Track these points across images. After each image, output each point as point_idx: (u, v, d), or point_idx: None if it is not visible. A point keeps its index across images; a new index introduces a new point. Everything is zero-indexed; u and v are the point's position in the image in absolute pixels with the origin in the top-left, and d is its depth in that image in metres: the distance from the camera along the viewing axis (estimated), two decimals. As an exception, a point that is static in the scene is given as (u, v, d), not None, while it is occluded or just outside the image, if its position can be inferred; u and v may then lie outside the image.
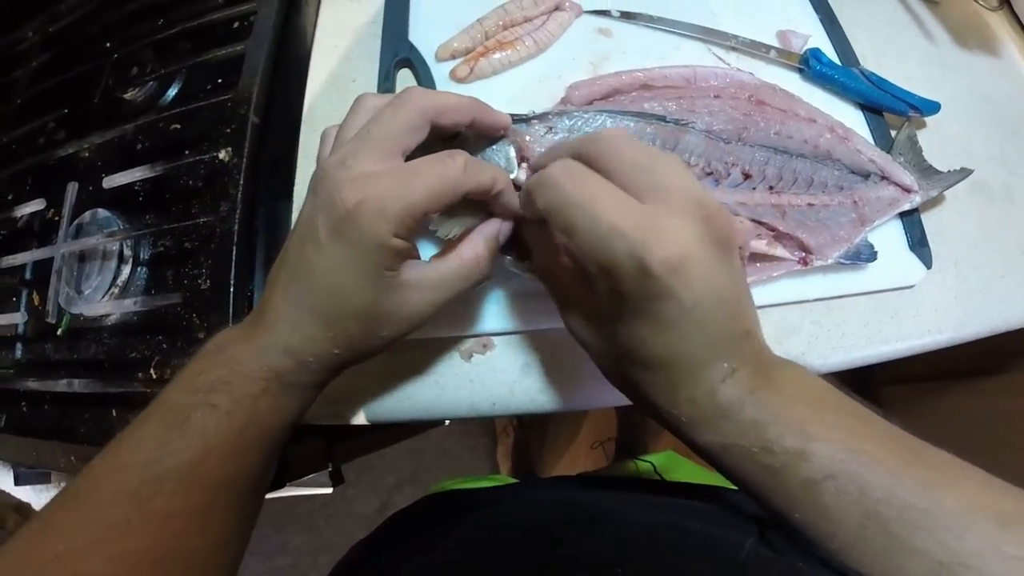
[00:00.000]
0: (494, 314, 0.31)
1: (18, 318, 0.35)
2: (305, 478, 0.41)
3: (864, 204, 0.33)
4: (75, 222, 0.35)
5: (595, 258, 0.19)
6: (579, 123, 0.29)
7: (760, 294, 0.32)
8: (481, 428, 1.12)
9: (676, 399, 0.20)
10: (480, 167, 0.22)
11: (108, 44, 0.41)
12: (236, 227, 0.32)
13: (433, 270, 0.23)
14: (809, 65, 0.38)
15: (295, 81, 0.37)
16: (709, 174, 0.30)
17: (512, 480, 0.43)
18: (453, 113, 0.22)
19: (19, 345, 0.36)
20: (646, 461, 0.56)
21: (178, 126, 0.36)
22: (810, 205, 0.31)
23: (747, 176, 0.31)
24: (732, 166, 0.31)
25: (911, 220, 0.36)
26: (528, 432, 1.04)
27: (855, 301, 0.34)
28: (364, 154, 0.21)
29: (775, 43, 0.39)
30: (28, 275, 0.36)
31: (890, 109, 0.39)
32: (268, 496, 0.41)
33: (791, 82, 0.38)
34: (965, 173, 0.37)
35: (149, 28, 0.41)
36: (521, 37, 0.35)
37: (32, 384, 0.34)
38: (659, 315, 0.19)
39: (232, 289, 0.31)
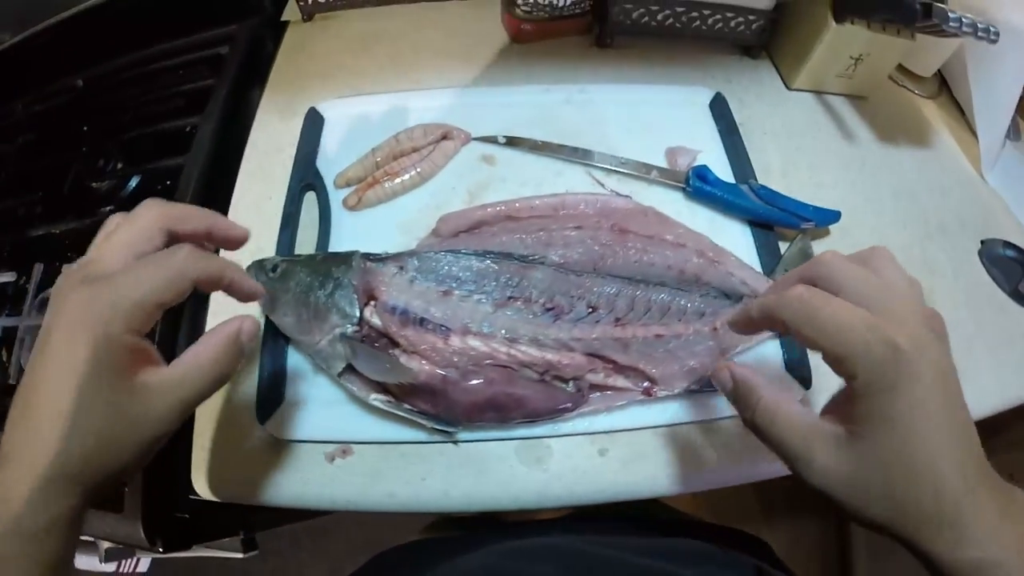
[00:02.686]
0: (354, 424, 0.33)
1: (-17, 374, 0.40)
2: (217, 542, 0.44)
3: (726, 331, 0.34)
4: (39, 296, 0.41)
5: (846, 350, 0.20)
6: (427, 263, 0.32)
7: (605, 421, 0.32)
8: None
9: (928, 512, 0.20)
10: (207, 258, 0.24)
11: (85, 128, 0.48)
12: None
13: (173, 372, 0.23)
14: (691, 184, 0.39)
15: (222, 194, 0.42)
16: (550, 309, 0.32)
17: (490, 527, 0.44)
18: (189, 221, 0.25)
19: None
20: None
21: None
22: (658, 336, 0.32)
23: (594, 309, 0.32)
24: (578, 300, 0.32)
25: (789, 339, 0.36)
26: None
27: (718, 425, 0.34)
28: (100, 258, 0.22)
29: (663, 162, 0.41)
30: (-3, 336, 0.42)
31: (779, 223, 0.40)
32: (201, 555, 0.44)
33: (675, 201, 0.39)
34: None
35: (117, 123, 0.47)
36: (407, 167, 0.38)
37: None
38: (904, 396, 0.20)
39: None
